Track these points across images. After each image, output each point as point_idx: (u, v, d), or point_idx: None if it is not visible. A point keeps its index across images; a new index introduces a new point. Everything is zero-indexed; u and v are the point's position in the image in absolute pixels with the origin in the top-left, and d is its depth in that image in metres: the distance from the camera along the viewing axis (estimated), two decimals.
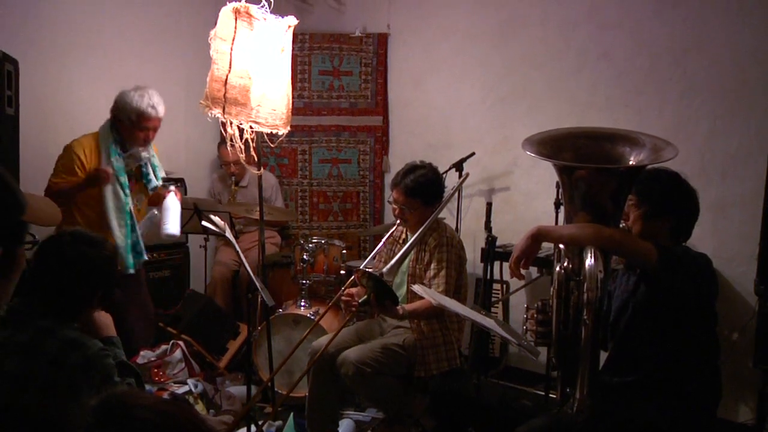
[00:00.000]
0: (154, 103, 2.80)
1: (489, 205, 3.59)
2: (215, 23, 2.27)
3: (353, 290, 2.69)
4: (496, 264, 3.45)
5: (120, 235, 2.84)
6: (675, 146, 1.73)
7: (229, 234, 2.57)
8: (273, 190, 4.26)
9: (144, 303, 3.07)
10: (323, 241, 3.57)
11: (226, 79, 2.24)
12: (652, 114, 3.48)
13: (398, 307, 2.54)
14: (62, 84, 2.89)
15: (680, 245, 1.93)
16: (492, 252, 2.96)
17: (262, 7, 2.26)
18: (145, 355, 3.35)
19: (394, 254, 2.65)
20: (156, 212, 3.00)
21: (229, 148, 2.35)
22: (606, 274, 1.71)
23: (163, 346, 3.45)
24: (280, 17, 2.33)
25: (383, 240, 2.90)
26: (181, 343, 3.46)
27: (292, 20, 2.37)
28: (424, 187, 2.73)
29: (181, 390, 3.21)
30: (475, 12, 4.11)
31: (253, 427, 2.69)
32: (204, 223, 2.70)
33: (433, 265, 2.71)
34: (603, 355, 1.97)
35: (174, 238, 3.06)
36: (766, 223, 2.81)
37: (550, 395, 3.26)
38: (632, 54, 3.55)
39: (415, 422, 2.95)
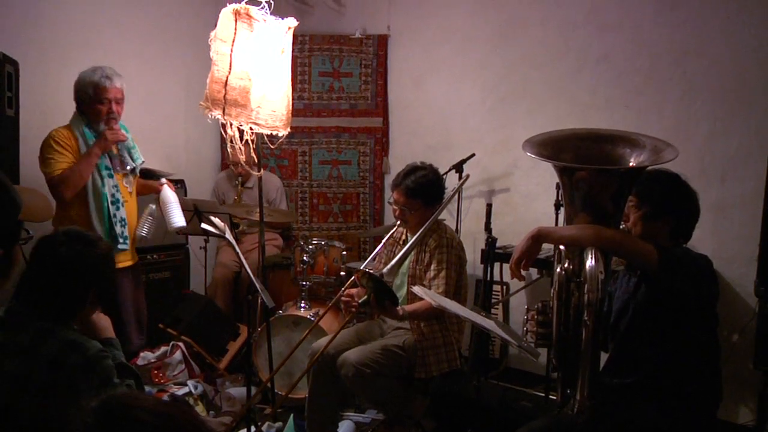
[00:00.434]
0: (108, 74, 2.78)
1: (489, 206, 3.59)
2: (215, 24, 2.27)
3: (353, 291, 2.69)
4: (496, 265, 3.45)
5: (97, 220, 2.80)
6: (675, 147, 1.73)
7: (229, 235, 2.57)
8: (278, 193, 4.26)
9: (138, 306, 3.04)
10: (323, 243, 3.57)
11: (226, 81, 2.24)
12: (651, 115, 3.48)
13: (398, 308, 2.53)
14: (62, 85, 2.89)
15: (680, 246, 1.93)
16: (492, 253, 2.96)
17: (262, 8, 2.26)
18: (145, 357, 3.36)
19: (394, 255, 2.64)
20: (154, 207, 2.99)
21: (229, 150, 2.35)
22: (606, 276, 1.71)
23: (163, 348, 3.46)
24: (280, 19, 2.33)
25: (383, 241, 2.90)
26: (181, 344, 3.46)
27: (292, 22, 2.37)
28: (425, 188, 2.73)
29: (181, 391, 3.21)
30: (475, 13, 4.11)
31: (252, 428, 2.69)
32: (204, 225, 2.69)
33: (433, 266, 2.71)
34: (603, 357, 1.97)
35: (183, 229, 3.05)
36: (766, 225, 2.81)
37: (550, 396, 3.26)
38: (632, 55, 3.55)
39: (415, 423, 2.95)
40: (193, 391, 3.25)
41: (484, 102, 4.11)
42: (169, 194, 2.99)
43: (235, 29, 2.23)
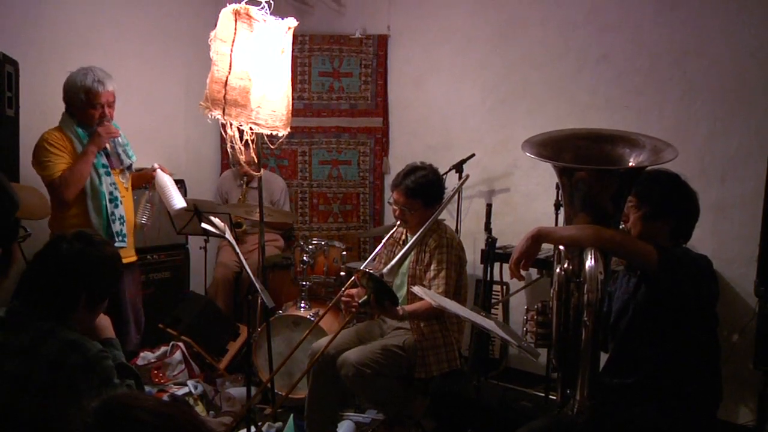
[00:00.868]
0: (99, 77, 2.75)
1: (489, 206, 3.59)
2: (215, 24, 2.27)
3: (353, 291, 2.69)
4: (496, 265, 3.45)
5: (96, 219, 2.79)
6: (675, 147, 1.73)
7: (228, 236, 2.57)
8: (282, 194, 4.26)
9: (136, 305, 3.04)
10: (323, 243, 3.57)
11: (226, 81, 2.24)
12: (651, 115, 3.48)
13: (398, 308, 2.53)
14: (62, 85, 2.90)
15: (680, 247, 1.93)
16: (492, 253, 2.96)
17: (262, 8, 2.26)
18: (145, 357, 3.36)
19: (394, 255, 2.65)
20: (151, 193, 2.98)
21: (229, 150, 2.35)
22: (606, 276, 1.71)
23: (163, 348, 3.46)
24: (280, 19, 2.33)
25: (383, 241, 2.90)
26: (181, 344, 3.46)
27: (292, 22, 2.37)
28: (425, 188, 2.74)
29: (180, 391, 3.21)
30: (475, 13, 4.11)
31: (252, 429, 2.69)
32: (204, 225, 2.69)
33: (432, 266, 2.71)
34: (603, 357, 1.97)
35: (184, 210, 3.04)
36: (766, 225, 2.81)
37: (550, 396, 3.26)
38: (632, 55, 3.55)
39: (415, 423, 2.95)
40: (193, 391, 3.25)
41: (484, 102, 4.11)
42: (164, 178, 2.98)
43: (235, 29, 2.23)
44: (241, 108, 2.27)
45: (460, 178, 3.68)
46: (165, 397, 3.09)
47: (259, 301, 2.86)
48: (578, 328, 1.66)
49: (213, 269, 4.03)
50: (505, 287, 3.81)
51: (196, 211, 3.11)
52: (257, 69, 2.27)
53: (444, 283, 2.66)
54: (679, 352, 1.84)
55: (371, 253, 2.93)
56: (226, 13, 2.25)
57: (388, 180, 4.35)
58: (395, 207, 2.80)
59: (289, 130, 2.45)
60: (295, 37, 2.46)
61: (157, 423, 0.84)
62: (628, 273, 2.01)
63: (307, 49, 4.51)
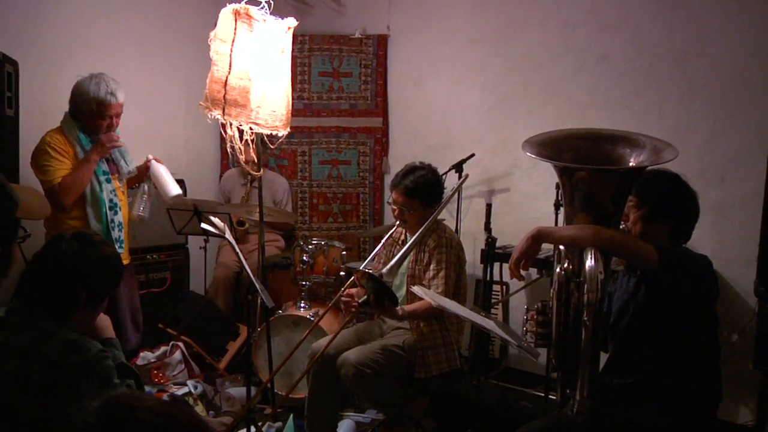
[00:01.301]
0: (112, 89, 2.74)
1: (489, 206, 3.59)
2: (215, 24, 2.27)
3: (353, 291, 2.69)
4: (496, 265, 3.45)
5: (95, 225, 2.78)
6: (675, 148, 1.73)
7: (228, 236, 2.58)
8: (285, 195, 4.26)
9: (133, 304, 3.04)
10: (323, 243, 3.57)
11: (226, 81, 2.24)
12: (651, 115, 3.48)
13: (398, 308, 2.54)
14: (62, 85, 2.89)
15: (680, 247, 1.93)
16: (492, 253, 2.96)
17: (261, 8, 2.26)
18: (144, 357, 3.36)
19: (394, 255, 2.65)
20: (146, 186, 2.98)
21: (229, 150, 2.35)
22: (606, 276, 1.71)
23: (163, 348, 3.46)
24: (280, 18, 2.33)
25: (382, 241, 2.90)
26: (180, 344, 3.46)
27: (291, 21, 2.37)
28: (424, 188, 2.74)
29: (180, 391, 3.21)
30: (474, 14, 4.11)
31: (252, 429, 2.69)
32: (203, 225, 2.69)
33: (432, 266, 2.71)
34: (603, 357, 1.97)
35: (181, 198, 3.03)
36: (766, 225, 2.81)
37: (550, 396, 3.26)
38: (632, 55, 3.55)
39: (415, 423, 2.95)
40: (192, 391, 3.25)
41: (484, 102, 4.11)
42: (159, 168, 2.97)
43: (235, 29, 2.23)
44: (241, 108, 2.27)
45: (460, 177, 3.68)
46: (165, 397, 3.09)
47: (259, 301, 2.86)
48: (578, 327, 1.66)
49: (213, 269, 4.03)
50: (505, 287, 3.81)
51: (196, 211, 3.11)
52: (257, 69, 2.27)
53: (443, 283, 2.66)
54: (679, 352, 1.84)
55: (371, 253, 2.93)
56: (225, 13, 2.25)
57: (388, 180, 4.34)
58: (394, 207, 2.80)
59: (288, 130, 2.45)
60: (295, 37, 2.46)
61: (158, 423, 0.83)
62: (627, 273, 2.01)
63: (307, 49, 4.51)
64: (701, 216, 1.97)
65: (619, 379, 1.91)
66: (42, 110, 3.20)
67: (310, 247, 3.50)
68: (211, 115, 2.28)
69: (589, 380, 1.64)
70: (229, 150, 2.37)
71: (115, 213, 2.83)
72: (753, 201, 3.05)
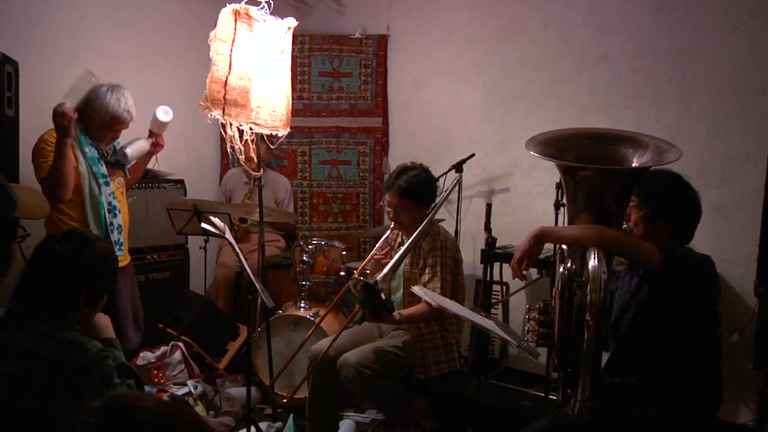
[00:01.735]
0: (130, 106, 2.77)
1: (489, 206, 3.59)
2: (215, 24, 2.27)
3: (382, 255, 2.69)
4: (496, 265, 3.45)
5: (94, 229, 2.78)
6: (678, 148, 1.72)
7: (228, 236, 2.57)
8: (287, 195, 4.26)
9: (134, 304, 3.04)
10: (323, 243, 3.57)
11: (226, 81, 2.24)
12: (651, 116, 3.48)
13: (395, 313, 2.53)
14: (62, 85, 2.89)
15: (683, 247, 1.93)
16: (492, 253, 2.95)
17: (261, 8, 2.26)
18: (144, 357, 3.35)
19: (391, 258, 2.64)
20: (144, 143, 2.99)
21: (228, 150, 2.35)
22: (609, 275, 1.71)
23: (163, 348, 3.45)
24: (280, 19, 2.33)
25: (377, 246, 2.90)
26: (180, 344, 3.46)
27: (291, 22, 2.37)
28: (418, 188, 2.73)
29: (180, 391, 3.21)
30: (474, 14, 4.11)
31: (253, 429, 2.69)
32: (203, 225, 2.69)
33: (427, 270, 2.71)
34: (603, 356, 1.97)
35: (168, 119, 3.02)
36: (766, 225, 2.81)
37: (551, 396, 3.26)
38: (631, 56, 3.55)
39: (415, 424, 2.95)
40: (192, 391, 3.24)
41: (483, 102, 4.11)
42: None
43: (235, 29, 2.23)
44: (241, 108, 2.27)
45: (460, 177, 3.68)
46: (165, 397, 3.08)
47: (259, 301, 2.85)
48: (581, 327, 1.66)
49: (213, 269, 4.03)
50: (505, 287, 3.81)
51: (196, 211, 3.11)
52: (257, 69, 2.27)
53: (439, 286, 2.66)
54: (681, 352, 1.84)
55: (370, 253, 2.92)
56: (225, 13, 2.25)
57: None
58: (389, 209, 2.79)
59: (288, 130, 2.45)
60: (294, 37, 2.46)
61: (158, 423, 0.83)
62: (629, 272, 2.01)
63: (306, 49, 4.51)
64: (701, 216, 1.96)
65: (621, 378, 1.91)
66: (42, 110, 3.18)
67: (310, 247, 3.49)
68: (211, 115, 2.28)
69: (592, 380, 1.64)
70: (229, 150, 2.37)
71: (114, 216, 2.83)
72: (753, 201, 3.05)
